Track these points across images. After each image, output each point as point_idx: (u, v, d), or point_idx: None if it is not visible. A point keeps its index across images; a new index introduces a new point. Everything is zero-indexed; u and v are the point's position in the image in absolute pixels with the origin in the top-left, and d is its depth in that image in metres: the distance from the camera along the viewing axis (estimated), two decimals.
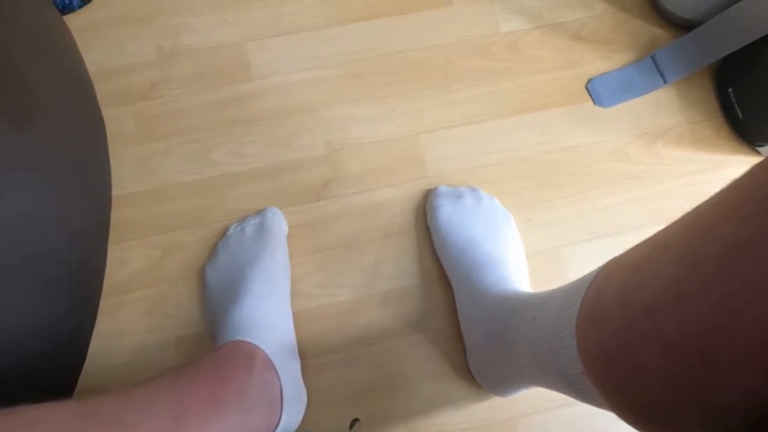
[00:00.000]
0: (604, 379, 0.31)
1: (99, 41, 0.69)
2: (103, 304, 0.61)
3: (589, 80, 0.71)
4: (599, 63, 0.72)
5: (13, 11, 0.50)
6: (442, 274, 0.63)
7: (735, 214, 0.23)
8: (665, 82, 0.70)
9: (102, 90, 0.66)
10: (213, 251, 0.62)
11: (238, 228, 0.62)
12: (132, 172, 0.65)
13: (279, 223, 0.62)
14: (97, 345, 0.60)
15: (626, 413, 0.30)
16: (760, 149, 0.68)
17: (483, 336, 0.54)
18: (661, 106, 0.71)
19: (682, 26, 0.72)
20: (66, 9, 0.68)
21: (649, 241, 0.30)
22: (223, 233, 0.63)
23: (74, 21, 0.68)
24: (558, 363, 0.37)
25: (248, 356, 0.49)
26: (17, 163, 0.41)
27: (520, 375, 0.49)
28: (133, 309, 0.61)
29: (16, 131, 0.41)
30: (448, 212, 0.61)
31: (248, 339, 0.51)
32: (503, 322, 0.50)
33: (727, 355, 0.23)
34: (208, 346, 0.60)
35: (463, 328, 0.59)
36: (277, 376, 0.51)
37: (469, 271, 0.57)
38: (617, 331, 0.29)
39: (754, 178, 0.24)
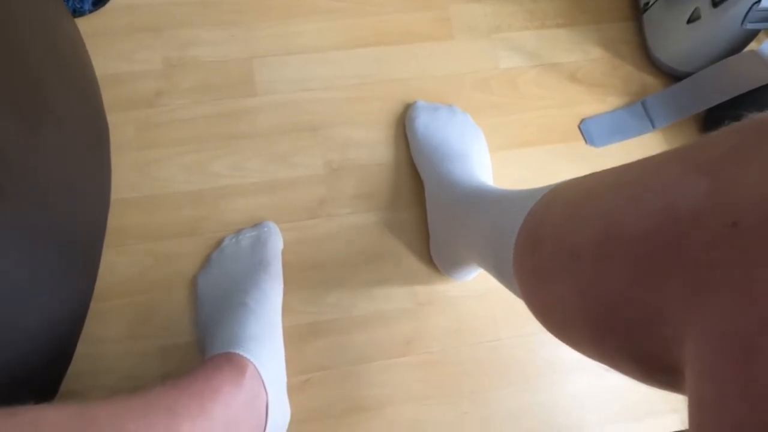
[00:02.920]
0: (529, 290, 0.38)
1: (107, 47, 0.70)
2: (91, 307, 0.60)
3: (582, 120, 0.74)
4: (592, 104, 0.75)
5: (29, 14, 0.50)
6: (433, 299, 0.64)
7: (653, 197, 0.27)
8: (653, 127, 0.74)
9: (106, 95, 0.67)
10: (207, 262, 0.62)
11: (234, 240, 0.62)
12: (130, 178, 0.66)
13: (275, 238, 0.63)
14: (81, 349, 0.59)
15: (541, 321, 0.37)
16: None
17: (444, 217, 0.60)
18: (649, 149, 0.74)
19: (671, 76, 0.76)
20: (77, 13, 0.68)
21: (587, 181, 0.35)
22: (218, 244, 0.63)
23: (84, 25, 0.68)
24: (497, 260, 0.43)
25: (238, 369, 0.49)
26: (28, 166, 0.41)
27: (468, 257, 0.56)
28: (120, 315, 0.61)
29: (29, 135, 0.41)
30: (424, 121, 0.68)
31: (239, 351, 0.51)
32: (463, 206, 0.56)
33: (628, 315, 0.27)
34: (195, 356, 0.60)
35: (429, 215, 0.65)
36: (265, 390, 0.51)
37: (440, 163, 0.63)
38: (547, 261, 0.34)
39: (675, 160, 0.27)
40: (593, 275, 0.29)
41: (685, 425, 0.27)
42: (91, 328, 0.60)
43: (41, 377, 0.49)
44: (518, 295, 0.41)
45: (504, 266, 0.41)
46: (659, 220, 0.25)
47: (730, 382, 0.19)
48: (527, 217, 0.38)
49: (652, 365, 0.27)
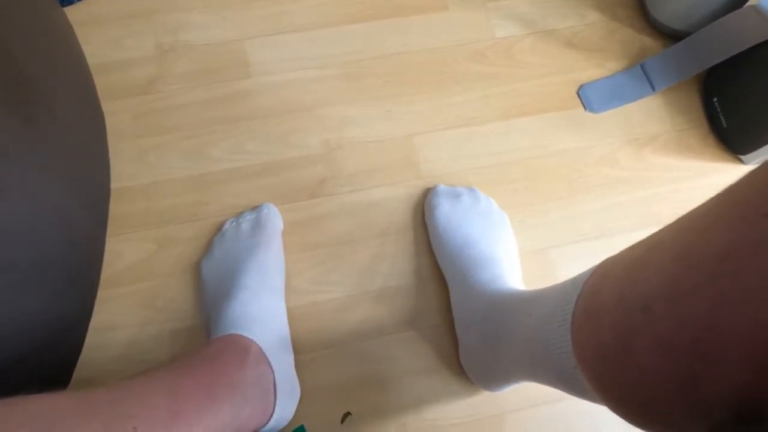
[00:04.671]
0: (598, 374, 0.32)
1: (98, 35, 0.69)
2: (99, 296, 0.61)
3: (581, 86, 0.73)
4: (590, 70, 0.74)
5: (16, 5, 0.50)
6: (435, 273, 0.64)
7: (731, 216, 0.24)
8: (653, 90, 0.72)
9: (100, 84, 0.67)
10: (209, 246, 0.63)
11: (234, 223, 0.63)
12: (129, 167, 0.66)
13: (274, 219, 0.63)
14: (91, 337, 0.60)
15: (619, 407, 0.31)
16: (742, 157, 0.71)
17: (477, 332, 0.55)
18: (649, 113, 0.73)
19: (670, 36, 0.74)
20: (65, 2, 0.68)
21: (645, 242, 0.31)
22: (219, 228, 0.63)
23: (73, 14, 0.68)
24: (552, 359, 0.38)
25: (242, 349, 0.50)
26: (26, 159, 0.41)
27: (513, 370, 0.50)
28: (127, 302, 0.62)
29: (24, 127, 0.41)
30: (445, 211, 0.63)
31: (242, 333, 0.52)
32: (497, 318, 0.51)
33: (718, 351, 0.24)
34: (202, 339, 0.61)
35: (457, 325, 0.60)
36: (271, 369, 0.52)
37: (465, 268, 0.58)
38: (613, 328, 0.30)
39: (749, 183, 0.25)
40: (670, 318, 0.26)
41: None
42: (99, 315, 0.61)
43: (52, 367, 0.49)
44: (587, 396, 0.36)
45: (564, 363, 0.36)
46: (747, 220, 0.23)
47: None
48: (580, 295, 0.35)
49: (748, 400, 0.24)
